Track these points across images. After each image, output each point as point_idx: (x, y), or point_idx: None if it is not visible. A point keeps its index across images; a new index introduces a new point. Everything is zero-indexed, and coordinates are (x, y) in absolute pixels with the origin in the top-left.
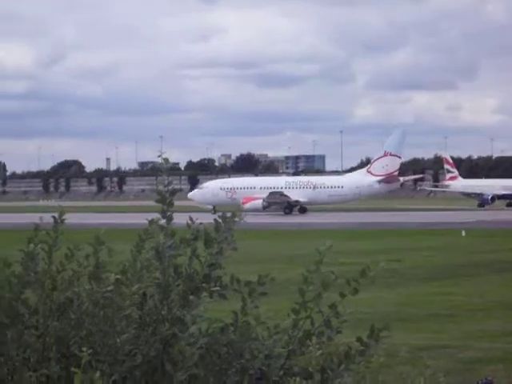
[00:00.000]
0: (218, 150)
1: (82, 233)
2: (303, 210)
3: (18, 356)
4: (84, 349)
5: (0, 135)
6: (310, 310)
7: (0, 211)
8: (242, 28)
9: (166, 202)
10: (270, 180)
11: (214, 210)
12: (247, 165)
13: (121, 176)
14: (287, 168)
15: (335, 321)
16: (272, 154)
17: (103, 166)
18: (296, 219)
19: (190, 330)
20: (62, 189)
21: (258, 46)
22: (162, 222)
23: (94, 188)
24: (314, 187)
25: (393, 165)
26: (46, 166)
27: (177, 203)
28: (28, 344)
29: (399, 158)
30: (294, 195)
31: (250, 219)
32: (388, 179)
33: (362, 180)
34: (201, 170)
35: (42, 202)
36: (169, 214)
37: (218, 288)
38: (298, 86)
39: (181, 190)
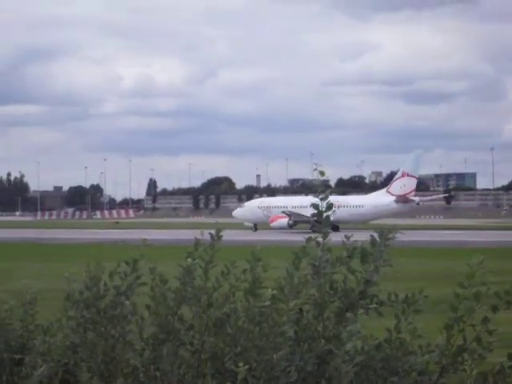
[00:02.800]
0: (368, 167)
1: (233, 249)
2: (336, 228)
3: (173, 372)
4: (240, 364)
5: (151, 152)
6: (463, 324)
7: (151, 227)
8: (394, 45)
9: (321, 216)
10: (299, 200)
11: (255, 228)
12: None
13: (271, 193)
14: (438, 186)
15: (487, 337)
16: (422, 171)
17: (253, 182)
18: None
19: (346, 347)
20: (212, 205)
21: (409, 62)
22: (319, 238)
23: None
24: (338, 206)
25: (409, 185)
26: (197, 182)
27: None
28: (183, 359)
29: (416, 178)
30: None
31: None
32: (404, 199)
33: (380, 200)
34: (351, 188)
35: (192, 219)
36: (326, 229)
37: (375, 305)
38: (448, 102)
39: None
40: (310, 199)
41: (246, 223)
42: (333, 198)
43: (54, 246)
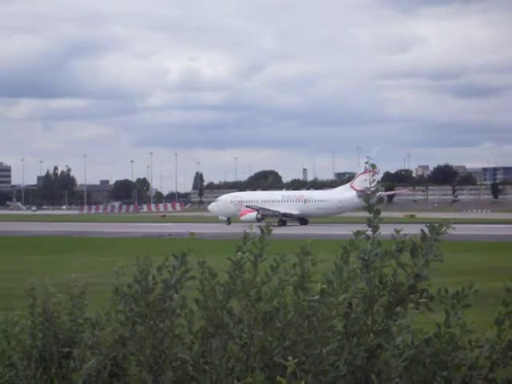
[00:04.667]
0: (415, 161)
1: (283, 243)
2: (304, 221)
3: (222, 365)
4: (289, 358)
5: (198, 146)
6: None
7: (198, 221)
8: (441, 38)
9: (372, 210)
10: (270, 194)
11: (229, 221)
12: (444, 176)
13: (317, 187)
14: (485, 180)
15: None
16: (470, 165)
17: (300, 176)
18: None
19: (396, 342)
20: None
21: (457, 56)
22: (368, 231)
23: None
24: (305, 201)
25: (370, 180)
26: (243, 176)
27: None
28: (232, 353)
29: (376, 173)
30: (288, 208)
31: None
32: (365, 194)
33: (344, 194)
34: (398, 181)
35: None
36: (375, 223)
37: (425, 299)
38: (496, 96)
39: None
40: (282, 194)
41: (220, 217)
42: (299, 193)
43: (100, 240)
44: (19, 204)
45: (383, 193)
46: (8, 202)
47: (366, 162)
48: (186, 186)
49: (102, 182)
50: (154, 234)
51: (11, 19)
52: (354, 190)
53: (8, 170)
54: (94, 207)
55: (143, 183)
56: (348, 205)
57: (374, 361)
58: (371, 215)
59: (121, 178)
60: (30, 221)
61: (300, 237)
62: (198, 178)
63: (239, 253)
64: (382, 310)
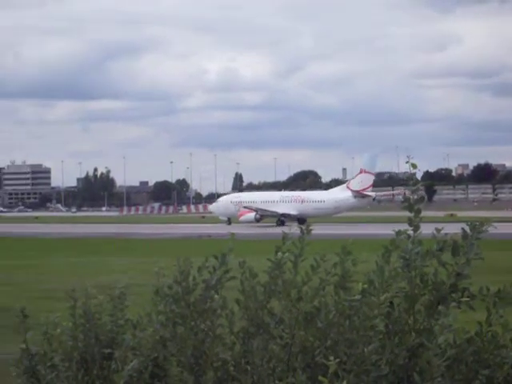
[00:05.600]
0: (455, 160)
1: (324, 243)
2: (302, 221)
3: (263, 365)
4: (331, 358)
5: (237, 146)
6: None
7: (237, 222)
8: (478, 37)
9: (413, 209)
10: (268, 195)
11: (229, 222)
12: (484, 175)
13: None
14: None
15: None
16: (510, 163)
17: (339, 176)
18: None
19: (438, 341)
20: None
21: (494, 55)
22: (409, 230)
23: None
24: (303, 201)
25: (367, 181)
26: (283, 176)
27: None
28: (273, 353)
29: (373, 175)
30: (286, 208)
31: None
32: (361, 194)
33: (340, 195)
34: (438, 180)
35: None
36: (416, 222)
37: (466, 298)
38: None
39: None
40: (280, 194)
41: (220, 217)
42: (297, 194)
43: (140, 241)
44: (59, 206)
45: (376, 193)
46: (48, 204)
47: (407, 162)
48: (225, 186)
49: (141, 183)
50: (193, 234)
51: (49, 22)
52: (350, 190)
53: (48, 171)
54: (133, 208)
55: (183, 184)
56: (344, 205)
57: (416, 360)
58: (412, 214)
59: (160, 179)
60: (69, 222)
61: (324, 237)
62: (238, 178)
63: (279, 253)
64: (423, 309)
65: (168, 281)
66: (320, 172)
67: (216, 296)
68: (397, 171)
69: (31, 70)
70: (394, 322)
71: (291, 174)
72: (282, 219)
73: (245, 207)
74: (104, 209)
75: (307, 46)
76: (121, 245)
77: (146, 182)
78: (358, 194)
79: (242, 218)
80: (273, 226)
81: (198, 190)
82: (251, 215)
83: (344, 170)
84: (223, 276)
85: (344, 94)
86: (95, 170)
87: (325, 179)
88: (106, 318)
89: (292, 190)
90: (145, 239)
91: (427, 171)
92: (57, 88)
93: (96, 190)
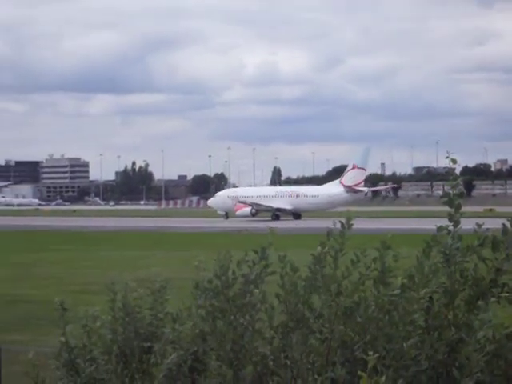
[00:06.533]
0: (493, 155)
1: (361, 238)
2: (297, 216)
3: (303, 360)
4: (370, 353)
5: (275, 140)
6: None
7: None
8: None
9: (453, 204)
10: (264, 190)
11: (227, 216)
12: None
13: (396, 181)
14: None
15: None
16: None
17: (378, 170)
18: None
19: (478, 336)
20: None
21: None
22: (450, 225)
23: (370, 193)
24: (297, 196)
25: (359, 177)
26: (321, 171)
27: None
28: (312, 348)
29: (365, 170)
30: (281, 203)
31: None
32: (353, 189)
33: (334, 190)
34: (476, 175)
35: None
36: (456, 217)
37: (506, 293)
38: None
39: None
40: (275, 189)
41: (218, 211)
42: (291, 189)
43: (178, 235)
44: (97, 199)
45: (369, 189)
46: (86, 198)
47: (447, 157)
48: (263, 180)
49: (179, 176)
50: (231, 228)
51: (89, 15)
52: (343, 186)
53: (86, 165)
54: (171, 202)
55: (221, 178)
56: (338, 200)
57: (456, 355)
58: (452, 210)
59: (198, 172)
60: (108, 216)
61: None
62: (276, 172)
63: (319, 247)
64: (463, 304)
65: (208, 275)
66: None
67: (256, 290)
68: (435, 166)
69: (71, 64)
70: (433, 317)
71: (330, 168)
72: (276, 213)
73: (239, 202)
74: (142, 202)
75: (347, 40)
76: (159, 238)
77: (185, 176)
78: (351, 190)
79: (238, 213)
80: (268, 220)
81: (236, 184)
82: (247, 210)
83: (382, 164)
84: (263, 270)
85: (383, 88)
86: (133, 163)
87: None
88: (145, 311)
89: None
90: (183, 233)
91: (466, 166)
92: (96, 81)
93: (134, 184)
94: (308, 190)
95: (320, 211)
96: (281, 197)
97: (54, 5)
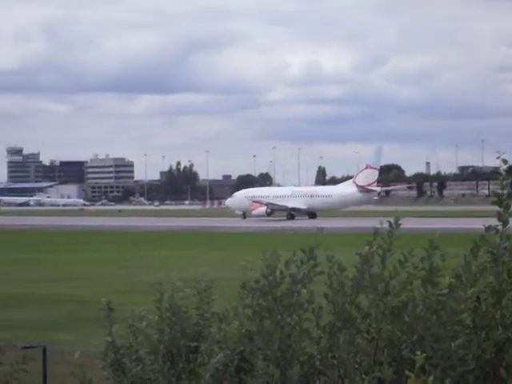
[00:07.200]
0: None
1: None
2: (313, 215)
3: (350, 359)
4: (417, 353)
5: (319, 139)
6: None
7: (319, 215)
8: None
9: (502, 204)
10: (280, 190)
11: (244, 215)
12: None
13: (441, 180)
14: None
15: None
16: None
17: (423, 170)
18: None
19: None
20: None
21: None
22: (498, 225)
23: (414, 193)
24: (311, 196)
25: (372, 176)
26: None
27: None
28: (360, 347)
29: (377, 170)
30: (296, 203)
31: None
32: (366, 189)
33: (347, 190)
34: None
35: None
36: (505, 217)
37: None
38: None
39: None
40: (291, 189)
41: (236, 211)
42: (306, 189)
43: (224, 235)
44: (142, 199)
45: (381, 188)
46: (131, 198)
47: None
48: (308, 180)
49: (224, 176)
50: (276, 228)
51: (133, 16)
52: (357, 186)
53: (131, 165)
54: (216, 202)
55: (266, 178)
56: (351, 199)
57: (503, 355)
58: (501, 209)
59: (243, 172)
60: (153, 216)
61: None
62: (321, 172)
63: (367, 247)
64: (510, 303)
65: (255, 274)
66: (403, 166)
67: (303, 290)
68: (481, 165)
69: (115, 64)
70: (480, 316)
71: None
72: (291, 213)
73: (254, 201)
74: (187, 202)
75: (389, 40)
76: (205, 238)
77: (229, 176)
78: (363, 189)
79: (254, 212)
80: (283, 219)
81: (281, 184)
82: (262, 209)
83: (427, 163)
84: (311, 270)
85: (427, 87)
86: (178, 163)
87: (408, 173)
88: (192, 311)
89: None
90: (229, 232)
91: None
92: (139, 82)
93: (179, 184)
94: (322, 189)
95: (334, 211)
96: (296, 197)
97: (98, 6)
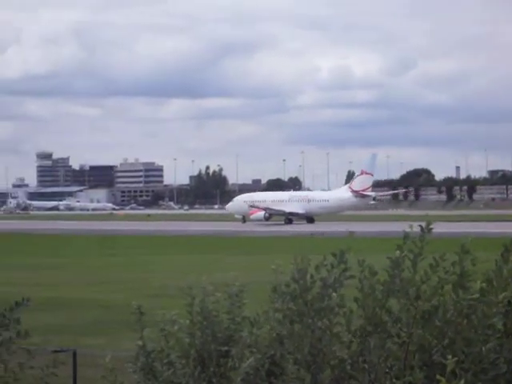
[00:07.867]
0: None
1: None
2: (311, 219)
3: (381, 364)
4: (449, 357)
5: (349, 144)
6: None
7: (350, 219)
8: None
9: None
10: (278, 195)
11: (244, 220)
12: None
13: (471, 185)
14: None
15: None
16: None
17: (453, 174)
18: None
19: None
20: (411, 197)
21: None
22: None
23: (444, 197)
24: (309, 200)
25: (367, 182)
26: (395, 174)
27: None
28: (390, 352)
29: (372, 176)
30: (293, 207)
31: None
32: (361, 194)
33: (343, 195)
34: None
35: (391, 211)
36: None
37: None
38: None
39: None
40: (289, 194)
41: (236, 215)
42: (304, 194)
43: (253, 239)
44: (171, 203)
45: (376, 193)
46: (160, 202)
47: None
48: (337, 184)
49: (253, 181)
50: (305, 232)
51: (163, 20)
52: (352, 191)
53: (160, 169)
54: None
55: (295, 182)
56: (347, 204)
57: None
58: None
59: (273, 177)
60: (182, 220)
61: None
62: (351, 176)
63: (397, 251)
64: None
65: (285, 278)
66: (433, 170)
67: (334, 294)
68: (511, 169)
69: (145, 68)
70: None
71: (404, 172)
72: (289, 218)
73: (251, 206)
74: (216, 206)
75: (419, 44)
76: (234, 242)
77: (259, 180)
78: (359, 194)
79: (252, 217)
80: (281, 224)
81: (311, 188)
82: (261, 214)
83: (457, 168)
84: (342, 274)
85: (457, 91)
86: (207, 167)
87: (438, 177)
88: (223, 315)
89: (404, 188)
90: (257, 237)
91: None
92: (170, 86)
93: (208, 188)
94: (319, 194)
95: (330, 215)
96: (293, 201)
97: (129, 9)
